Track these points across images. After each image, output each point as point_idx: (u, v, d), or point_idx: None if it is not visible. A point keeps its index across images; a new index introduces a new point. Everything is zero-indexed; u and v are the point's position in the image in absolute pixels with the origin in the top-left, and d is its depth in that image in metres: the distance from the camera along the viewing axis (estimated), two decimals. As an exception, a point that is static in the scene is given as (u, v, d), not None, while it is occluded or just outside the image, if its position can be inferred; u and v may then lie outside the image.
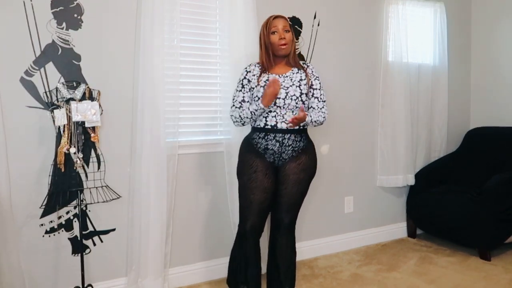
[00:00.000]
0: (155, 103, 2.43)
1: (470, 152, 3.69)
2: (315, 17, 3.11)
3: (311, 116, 2.21)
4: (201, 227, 2.77)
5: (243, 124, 2.30)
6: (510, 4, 3.73)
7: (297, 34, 3.03)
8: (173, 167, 2.57)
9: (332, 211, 3.30)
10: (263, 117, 2.21)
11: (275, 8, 2.81)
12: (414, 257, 3.17)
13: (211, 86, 2.77)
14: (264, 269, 2.37)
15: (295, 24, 3.01)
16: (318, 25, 3.12)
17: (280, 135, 2.19)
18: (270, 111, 2.19)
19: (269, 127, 2.20)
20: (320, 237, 3.25)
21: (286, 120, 2.18)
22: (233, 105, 2.29)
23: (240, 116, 2.24)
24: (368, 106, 3.41)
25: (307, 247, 3.16)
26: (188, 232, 2.73)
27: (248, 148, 2.26)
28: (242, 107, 2.26)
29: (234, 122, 2.32)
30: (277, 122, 2.18)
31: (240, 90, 2.29)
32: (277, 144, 2.19)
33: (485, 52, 3.92)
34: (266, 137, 2.20)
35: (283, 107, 2.19)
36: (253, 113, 2.19)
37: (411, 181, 3.49)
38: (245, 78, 2.30)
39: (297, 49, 3.02)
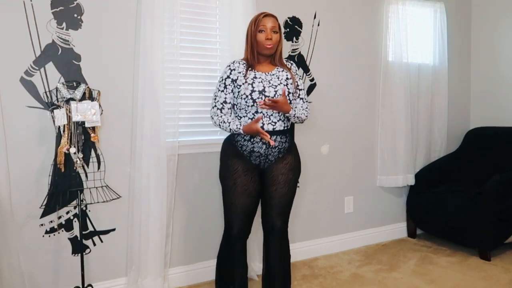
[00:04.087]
0: (155, 103, 2.43)
1: (470, 152, 3.69)
2: (315, 17, 3.11)
3: (294, 110, 2.18)
4: (201, 227, 2.78)
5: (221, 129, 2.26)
6: (510, 4, 3.73)
7: (297, 34, 3.03)
8: (173, 167, 2.57)
9: (332, 211, 3.30)
10: (249, 118, 2.15)
11: (275, 8, 2.81)
12: (414, 257, 3.17)
13: (211, 86, 2.76)
14: (258, 270, 2.33)
15: (295, 24, 3.01)
16: (318, 25, 3.12)
17: None
18: (257, 112, 2.13)
19: None
20: (320, 237, 3.25)
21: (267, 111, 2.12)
22: (215, 106, 2.22)
23: (219, 124, 2.19)
24: (368, 106, 3.41)
25: (307, 247, 3.16)
26: (188, 232, 2.73)
27: (231, 151, 2.20)
28: (224, 108, 2.20)
29: (213, 124, 2.25)
30: (263, 124, 2.12)
31: (222, 91, 2.21)
32: (264, 147, 2.14)
33: (485, 52, 3.92)
34: (252, 140, 2.13)
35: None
36: (232, 131, 2.15)
37: (411, 181, 3.48)
38: (228, 77, 2.21)
39: (296, 49, 3.03)
